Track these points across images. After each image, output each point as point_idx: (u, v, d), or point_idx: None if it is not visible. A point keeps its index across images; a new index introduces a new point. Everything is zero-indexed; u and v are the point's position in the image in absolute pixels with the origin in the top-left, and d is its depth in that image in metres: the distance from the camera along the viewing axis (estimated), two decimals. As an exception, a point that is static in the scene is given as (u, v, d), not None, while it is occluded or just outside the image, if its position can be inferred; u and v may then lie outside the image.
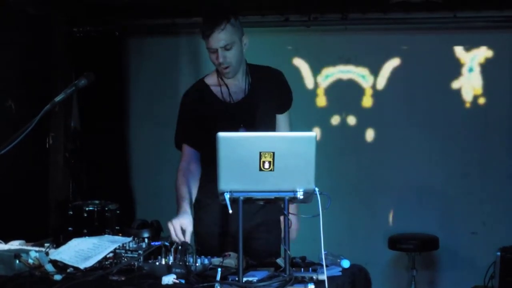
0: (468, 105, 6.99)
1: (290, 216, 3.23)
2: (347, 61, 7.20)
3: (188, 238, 3.73)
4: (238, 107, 4.04)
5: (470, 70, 6.96)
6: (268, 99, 4.08)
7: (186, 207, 3.92)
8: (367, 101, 7.20)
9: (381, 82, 7.15)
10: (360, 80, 7.19)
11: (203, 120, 4.05)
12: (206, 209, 4.11)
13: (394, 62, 7.12)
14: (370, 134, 7.19)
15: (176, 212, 3.95)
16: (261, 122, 4.03)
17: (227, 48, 3.94)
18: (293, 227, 3.73)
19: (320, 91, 7.27)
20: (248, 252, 3.51)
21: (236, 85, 4.09)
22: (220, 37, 3.91)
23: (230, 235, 4.04)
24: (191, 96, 4.16)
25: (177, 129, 4.20)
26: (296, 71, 7.22)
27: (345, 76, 7.23)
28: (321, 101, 7.27)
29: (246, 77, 4.10)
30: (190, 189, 4.04)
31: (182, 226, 3.74)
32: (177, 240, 3.70)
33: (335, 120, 7.24)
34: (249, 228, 3.94)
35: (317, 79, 7.25)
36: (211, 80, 4.14)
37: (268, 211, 4.04)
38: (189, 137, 4.14)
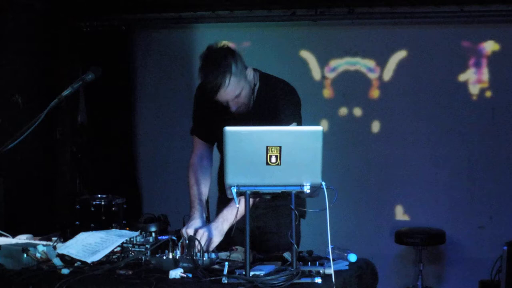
0: (475, 98, 6.98)
1: None
2: (354, 55, 7.20)
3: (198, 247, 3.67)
4: (242, 118, 3.90)
5: (477, 63, 6.95)
6: (271, 116, 3.92)
7: (200, 210, 3.91)
8: (373, 94, 7.20)
9: (388, 75, 7.14)
10: (366, 72, 7.19)
11: (212, 117, 4.00)
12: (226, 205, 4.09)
13: (400, 55, 7.10)
14: (376, 126, 7.18)
15: (189, 211, 3.95)
16: None
17: (237, 97, 3.81)
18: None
19: (327, 83, 7.26)
20: (262, 248, 3.53)
21: (240, 101, 3.93)
22: (227, 92, 3.76)
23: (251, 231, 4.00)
24: (203, 91, 4.04)
25: (192, 119, 4.18)
26: (303, 63, 7.21)
27: (351, 68, 7.22)
28: (328, 93, 7.26)
29: (252, 96, 3.95)
30: (202, 189, 4.01)
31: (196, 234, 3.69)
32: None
33: (342, 112, 7.23)
34: (259, 228, 3.95)
35: (324, 71, 7.24)
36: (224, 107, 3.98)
37: (279, 212, 4.01)
38: (199, 130, 4.13)
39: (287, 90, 4.02)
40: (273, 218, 4.02)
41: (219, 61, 3.75)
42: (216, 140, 4.09)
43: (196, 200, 3.95)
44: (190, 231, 3.67)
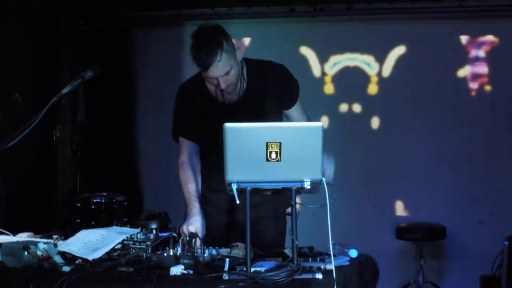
0: (473, 93, 6.98)
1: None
2: (353, 51, 7.20)
3: (198, 244, 3.70)
4: (231, 109, 3.96)
5: (476, 58, 6.95)
6: (266, 98, 3.98)
7: (198, 207, 3.93)
8: (373, 89, 7.20)
9: (387, 70, 7.14)
10: (366, 68, 7.19)
11: (198, 115, 4.04)
12: (210, 201, 4.12)
13: (400, 50, 7.11)
14: (376, 122, 7.19)
15: (185, 209, 3.96)
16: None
17: (227, 74, 3.81)
18: None
19: (327, 80, 7.26)
20: (252, 242, 3.53)
21: (230, 80, 3.94)
22: (219, 68, 3.77)
23: (235, 226, 4.04)
24: (187, 90, 4.13)
25: (174, 122, 4.21)
26: (303, 60, 7.21)
27: (351, 64, 7.22)
28: (328, 89, 7.27)
29: (242, 80, 3.97)
30: (197, 185, 4.04)
31: (196, 231, 3.72)
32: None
33: (342, 108, 7.23)
34: (254, 219, 3.95)
35: (324, 67, 7.25)
36: (214, 86, 3.99)
37: (273, 203, 4.02)
38: (186, 130, 4.13)
39: (277, 68, 4.07)
40: (268, 209, 4.03)
41: (211, 38, 3.77)
42: (203, 139, 4.09)
43: (192, 197, 3.96)
44: (192, 229, 3.68)
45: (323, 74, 7.25)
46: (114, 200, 4.05)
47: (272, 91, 3.99)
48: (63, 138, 7.35)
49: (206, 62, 3.75)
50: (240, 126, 3.12)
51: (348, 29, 7.19)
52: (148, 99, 7.71)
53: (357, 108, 7.22)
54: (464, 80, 6.99)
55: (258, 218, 3.95)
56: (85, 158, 7.48)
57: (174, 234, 3.47)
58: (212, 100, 3.99)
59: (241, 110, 3.93)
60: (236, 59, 3.87)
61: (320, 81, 7.25)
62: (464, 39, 6.97)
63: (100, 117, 7.48)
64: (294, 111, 4.10)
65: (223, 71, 3.78)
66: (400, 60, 7.11)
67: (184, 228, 3.70)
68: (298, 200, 4.05)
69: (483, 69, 6.95)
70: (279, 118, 4.05)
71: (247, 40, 7.31)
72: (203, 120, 4.01)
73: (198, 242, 3.46)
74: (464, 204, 6.97)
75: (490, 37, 6.92)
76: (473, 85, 6.98)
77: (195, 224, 3.76)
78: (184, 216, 3.89)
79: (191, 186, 4.00)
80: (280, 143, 3.08)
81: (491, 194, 6.91)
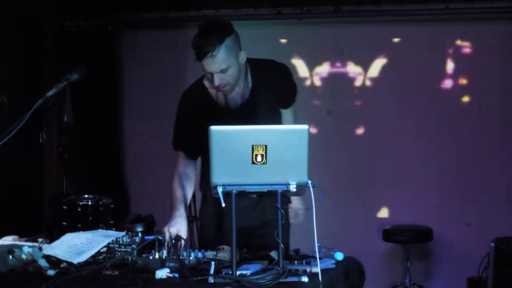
0: (458, 97, 7.00)
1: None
2: (340, 54, 7.20)
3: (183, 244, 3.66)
4: (237, 112, 3.90)
5: (463, 60, 6.97)
6: (270, 97, 3.92)
7: (182, 210, 3.87)
8: (360, 92, 7.20)
9: (374, 73, 7.15)
10: (353, 71, 7.19)
11: (201, 125, 3.82)
12: (211, 204, 4.08)
13: (385, 55, 7.12)
14: (363, 125, 7.20)
15: (170, 212, 3.92)
16: (264, 123, 3.77)
17: (223, 71, 3.73)
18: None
19: (315, 84, 7.26)
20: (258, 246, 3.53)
21: (235, 91, 3.91)
22: (214, 62, 3.69)
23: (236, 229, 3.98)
24: (189, 98, 4.02)
25: (174, 131, 4.08)
26: (290, 62, 7.21)
27: (338, 66, 7.22)
28: (315, 91, 7.27)
29: (245, 81, 3.91)
30: (186, 193, 3.97)
31: (178, 232, 3.67)
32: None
33: (329, 111, 7.23)
34: (256, 226, 3.95)
35: (312, 72, 7.25)
36: (209, 83, 3.93)
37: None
38: (185, 143, 4.02)
39: (278, 67, 4.02)
40: (259, 217, 4.01)
41: (215, 30, 3.70)
42: (202, 151, 3.92)
43: (178, 200, 3.88)
44: (173, 230, 3.64)
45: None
46: (100, 203, 4.05)
47: (272, 92, 3.93)
48: (50, 140, 7.33)
49: (202, 51, 3.67)
50: (225, 129, 3.12)
51: (335, 32, 7.19)
52: (135, 101, 7.69)
53: (344, 111, 7.22)
54: (449, 83, 7.00)
55: (259, 225, 3.95)
56: (71, 160, 7.45)
57: (160, 237, 3.46)
58: (214, 105, 3.93)
59: (245, 114, 3.85)
60: (238, 59, 3.79)
61: (307, 83, 7.24)
62: (449, 42, 6.99)
63: (87, 119, 7.46)
64: (286, 113, 4.05)
65: (218, 68, 3.71)
66: (387, 63, 7.12)
67: (165, 229, 3.66)
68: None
69: (468, 72, 6.97)
70: (280, 118, 4.01)
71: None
72: (203, 127, 3.87)
73: (183, 242, 3.44)
74: (451, 206, 6.99)
75: (474, 40, 6.94)
76: (460, 88, 7.00)
77: (177, 226, 3.71)
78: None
79: (179, 192, 3.93)
80: (266, 145, 3.07)
81: (478, 196, 6.93)
